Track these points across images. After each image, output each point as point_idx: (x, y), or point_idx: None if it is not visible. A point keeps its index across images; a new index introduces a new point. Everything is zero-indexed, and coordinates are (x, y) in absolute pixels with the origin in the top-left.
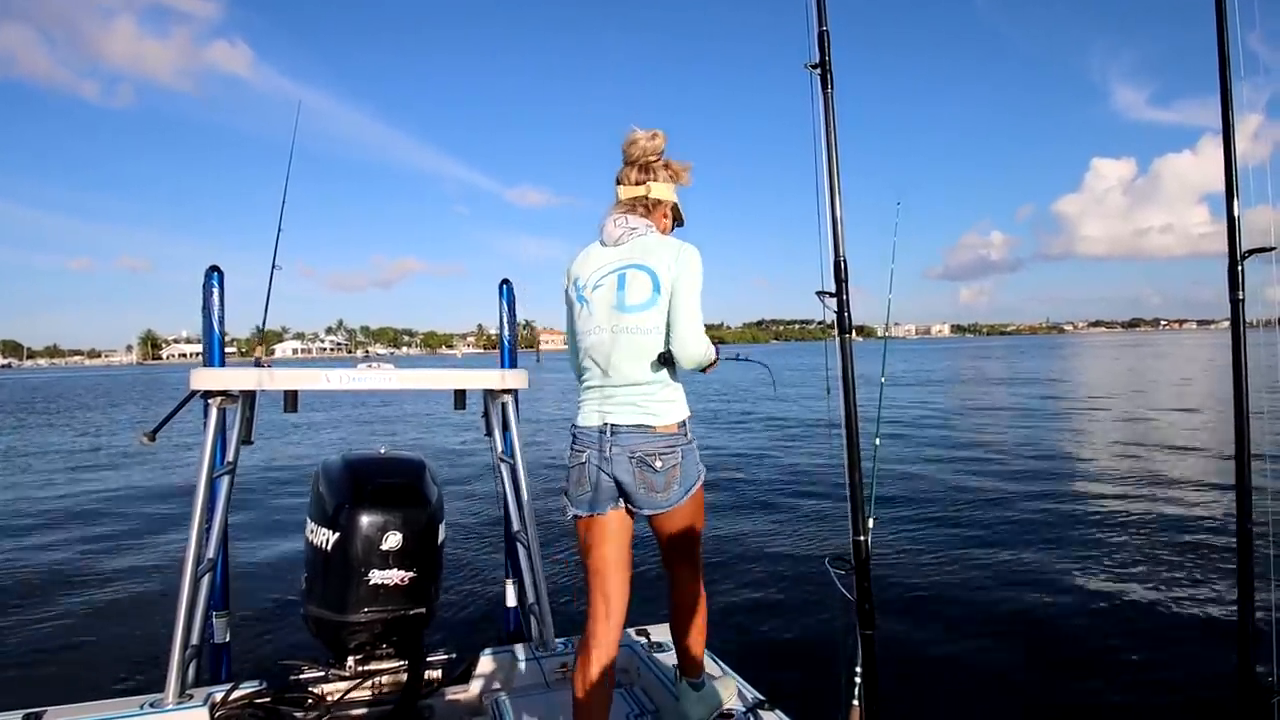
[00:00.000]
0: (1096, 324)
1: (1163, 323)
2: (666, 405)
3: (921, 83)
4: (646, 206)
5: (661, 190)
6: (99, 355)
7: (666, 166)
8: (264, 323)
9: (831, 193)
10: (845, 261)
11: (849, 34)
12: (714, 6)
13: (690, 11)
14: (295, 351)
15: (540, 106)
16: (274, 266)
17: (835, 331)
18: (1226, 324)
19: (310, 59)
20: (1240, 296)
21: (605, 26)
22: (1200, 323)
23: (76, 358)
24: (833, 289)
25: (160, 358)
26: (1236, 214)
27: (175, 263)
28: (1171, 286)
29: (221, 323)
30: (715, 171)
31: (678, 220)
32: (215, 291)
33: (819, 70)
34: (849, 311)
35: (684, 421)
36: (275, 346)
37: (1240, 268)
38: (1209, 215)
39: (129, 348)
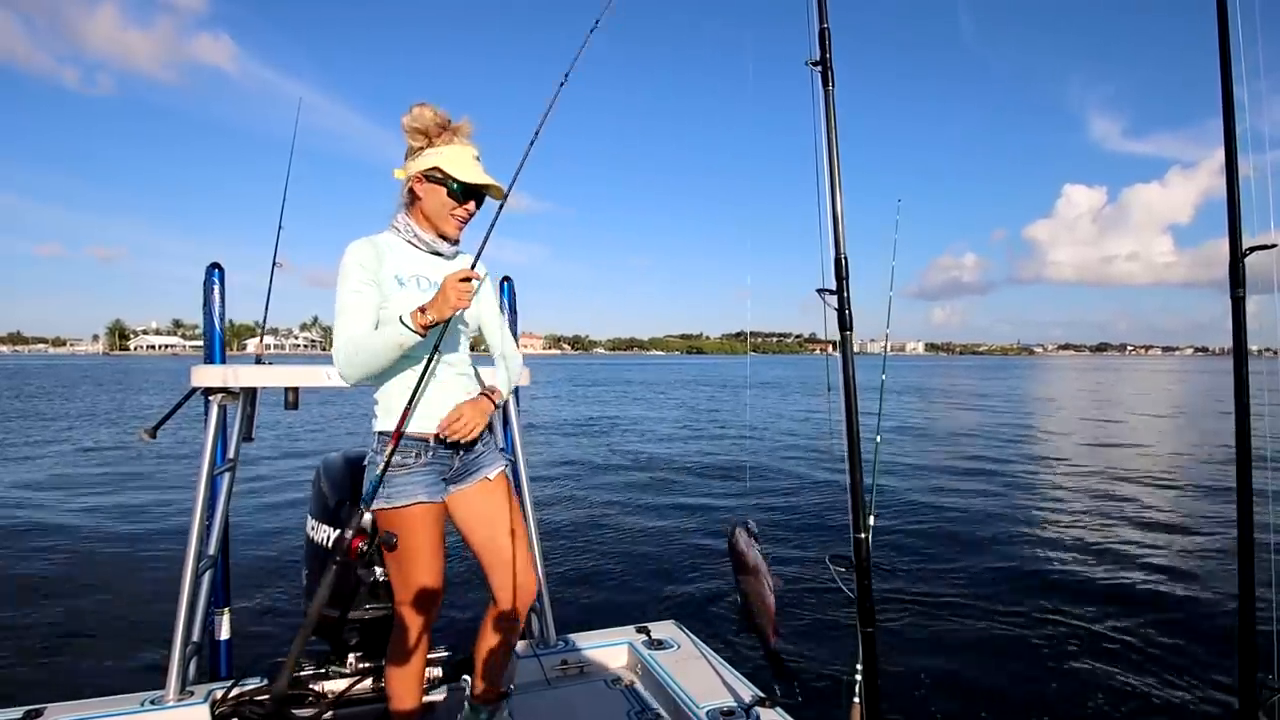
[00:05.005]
0: (1065, 347)
1: (1129, 348)
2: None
3: (904, 105)
4: (405, 196)
5: (404, 170)
6: (64, 344)
7: (423, 134)
8: (265, 319)
9: (832, 189)
10: (846, 258)
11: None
12: (708, 14)
13: (683, 17)
14: (268, 347)
15: (526, 110)
16: (274, 264)
17: (835, 330)
18: (1190, 351)
19: (294, 53)
20: (1241, 293)
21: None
22: (1165, 349)
23: (40, 345)
24: (833, 286)
25: (128, 349)
26: (1238, 203)
27: (149, 253)
28: (1137, 313)
29: (223, 319)
30: (706, 181)
31: (443, 183)
32: (216, 288)
33: (819, 68)
34: (850, 309)
35: (381, 433)
36: (247, 342)
37: (1241, 265)
38: (1173, 245)
39: (95, 337)
